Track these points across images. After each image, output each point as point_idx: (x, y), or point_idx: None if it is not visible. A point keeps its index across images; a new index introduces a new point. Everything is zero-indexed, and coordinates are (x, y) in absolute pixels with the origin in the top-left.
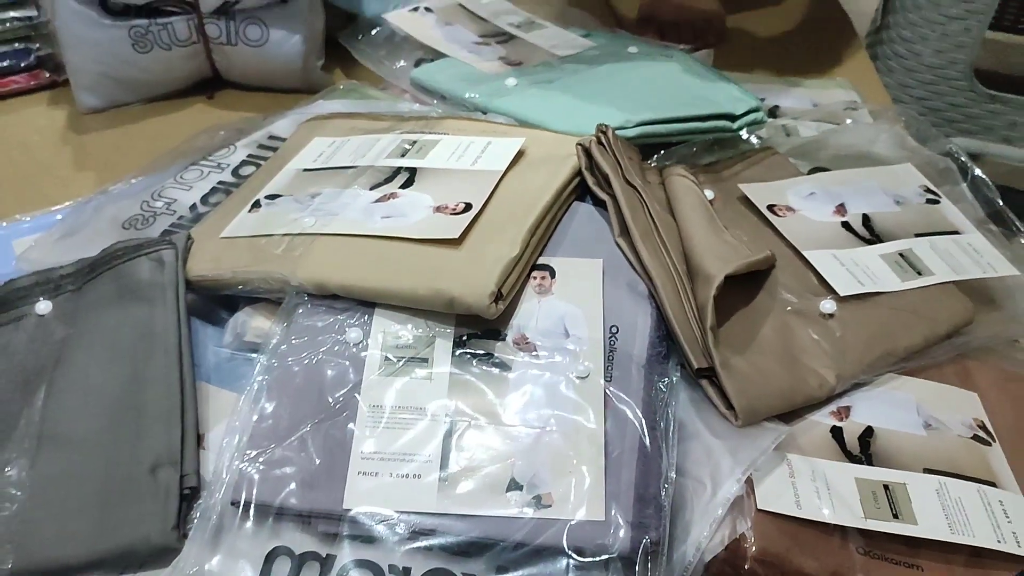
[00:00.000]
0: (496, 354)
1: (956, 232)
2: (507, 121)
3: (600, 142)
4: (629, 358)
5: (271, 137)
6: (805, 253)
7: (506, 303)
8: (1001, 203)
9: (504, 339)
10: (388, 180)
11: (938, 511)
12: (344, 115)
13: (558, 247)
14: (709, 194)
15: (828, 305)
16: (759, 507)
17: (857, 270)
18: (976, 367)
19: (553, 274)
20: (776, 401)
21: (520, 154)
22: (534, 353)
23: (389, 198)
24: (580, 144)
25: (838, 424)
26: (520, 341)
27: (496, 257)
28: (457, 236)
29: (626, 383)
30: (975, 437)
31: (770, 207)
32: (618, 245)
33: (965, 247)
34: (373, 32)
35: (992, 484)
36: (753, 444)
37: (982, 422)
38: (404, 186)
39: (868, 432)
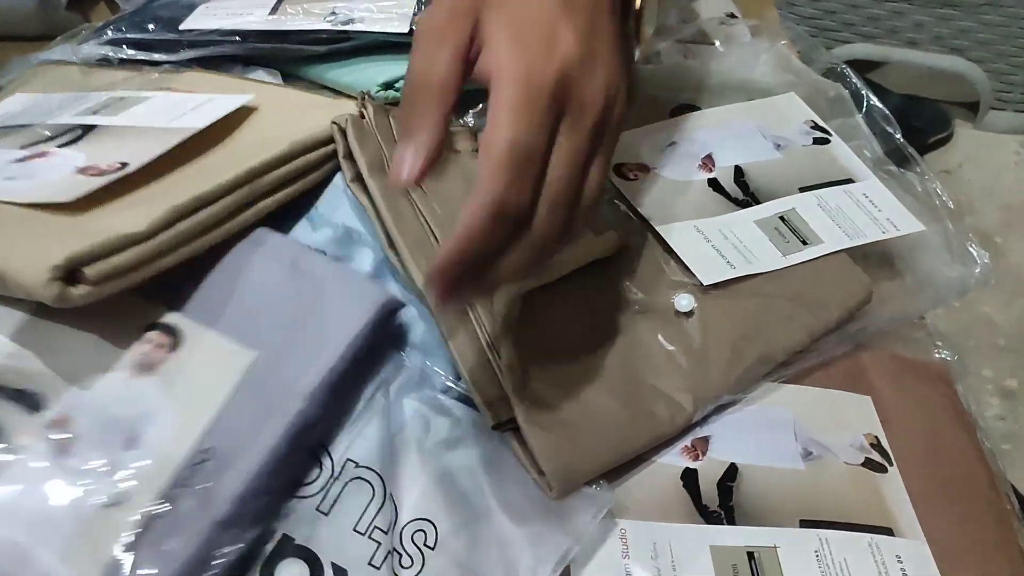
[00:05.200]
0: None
1: (849, 180)
2: (271, 79)
3: (363, 115)
4: (201, 502)
5: None
6: (659, 229)
7: (89, 295)
8: (901, 139)
9: (39, 410)
10: (59, 135)
11: None
12: (78, 64)
13: (216, 306)
14: None
15: (685, 301)
16: None
17: (726, 246)
18: (869, 359)
19: (177, 344)
20: (609, 453)
21: (252, 117)
22: (65, 447)
23: (35, 158)
24: (335, 123)
25: (692, 466)
26: (59, 423)
27: (104, 228)
28: (71, 199)
29: (170, 536)
30: (867, 463)
31: (617, 168)
32: (388, 260)
33: (860, 200)
34: None
35: (887, 531)
36: (562, 527)
37: (876, 439)
38: (68, 144)
39: (731, 473)
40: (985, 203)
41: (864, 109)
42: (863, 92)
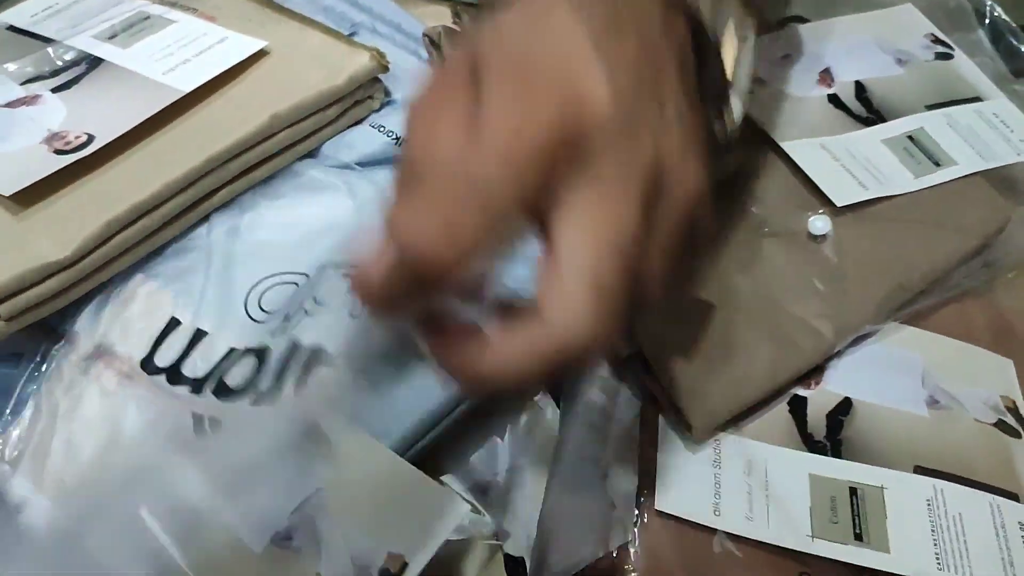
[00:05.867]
0: None
1: (977, 99)
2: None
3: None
4: None
5: None
6: (783, 145)
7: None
8: None
9: None
10: (64, 69)
11: (924, 532)
12: None
13: None
14: None
15: (820, 223)
16: (657, 508)
17: (855, 166)
18: (1018, 317)
19: None
20: (751, 389)
21: (256, 65)
22: None
23: (24, 103)
24: (427, 35)
25: (802, 393)
26: None
27: (25, 251)
28: (8, 193)
29: None
30: (1000, 424)
31: None
32: None
33: (991, 119)
34: None
35: (1014, 497)
36: None
37: (1013, 403)
38: (64, 87)
39: (844, 407)
40: None
41: (987, 21)
42: (987, 3)
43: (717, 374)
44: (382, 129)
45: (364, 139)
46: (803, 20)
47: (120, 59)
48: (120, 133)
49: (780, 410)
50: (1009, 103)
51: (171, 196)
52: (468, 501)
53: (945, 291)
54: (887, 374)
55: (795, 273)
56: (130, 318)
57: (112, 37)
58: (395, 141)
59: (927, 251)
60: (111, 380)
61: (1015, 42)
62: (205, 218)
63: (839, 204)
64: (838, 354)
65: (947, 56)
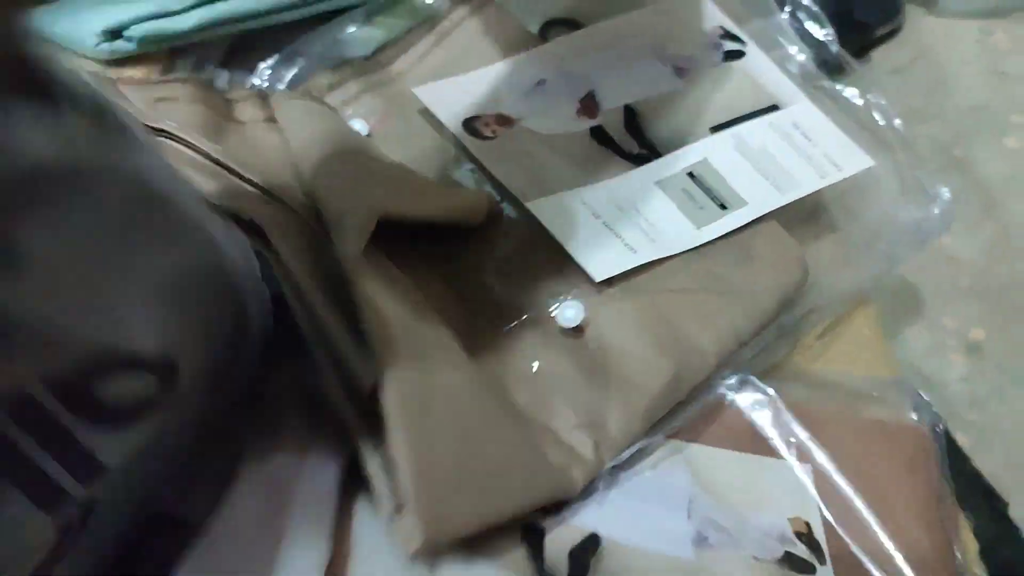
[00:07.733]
0: None
1: (774, 107)
2: None
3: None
4: None
5: None
6: (529, 206)
7: None
8: (837, 47)
9: None
10: None
11: None
12: None
13: None
14: (360, 125)
15: (571, 312)
16: None
17: (623, 221)
18: (825, 415)
19: None
20: (486, 516)
21: None
22: None
23: None
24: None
25: (540, 524)
26: None
27: None
28: None
29: None
30: (787, 559)
31: (470, 123)
32: None
33: (789, 133)
34: None
35: None
36: None
37: (807, 527)
38: None
39: (589, 545)
40: (943, 105)
41: (788, 4)
42: None
43: (459, 492)
44: None
45: None
46: (574, 24)
47: None
48: None
49: (514, 554)
50: (811, 107)
51: None
52: None
53: (728, 373)
54: (647, 503)
55: (549, 375)
56: None
57: None
58: None
59: (710, 327)
60: None
61: (819, 29)
62: None
63: (597, 278)
64: None
65: (738, 54)
